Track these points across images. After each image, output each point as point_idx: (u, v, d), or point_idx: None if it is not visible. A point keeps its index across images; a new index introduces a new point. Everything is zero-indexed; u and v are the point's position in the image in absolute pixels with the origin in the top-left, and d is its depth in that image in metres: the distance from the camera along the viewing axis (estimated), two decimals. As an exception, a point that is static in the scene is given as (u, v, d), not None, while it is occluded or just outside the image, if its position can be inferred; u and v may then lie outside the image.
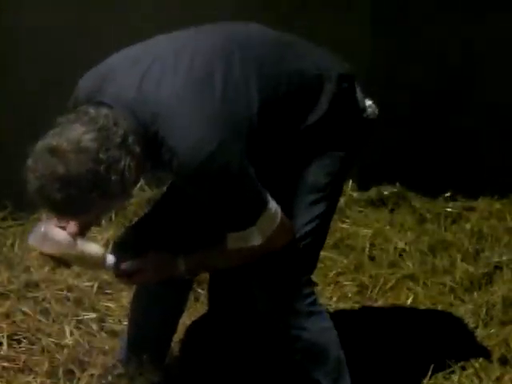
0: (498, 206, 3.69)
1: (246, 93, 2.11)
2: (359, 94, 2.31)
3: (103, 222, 3.35)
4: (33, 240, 2.16)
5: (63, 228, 2.15)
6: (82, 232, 2.19)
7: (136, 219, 2.71)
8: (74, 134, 1.98)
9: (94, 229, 3.15)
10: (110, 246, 2.34)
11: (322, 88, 2.22)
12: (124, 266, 2.18)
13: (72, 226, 2.15)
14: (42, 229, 2.13)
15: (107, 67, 2.16)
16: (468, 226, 3.53)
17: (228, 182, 2.07)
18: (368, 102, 2.33)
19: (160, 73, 2.09)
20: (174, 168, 2.06)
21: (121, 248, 2.26)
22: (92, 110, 2.03)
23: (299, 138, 2.22)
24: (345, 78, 2.26)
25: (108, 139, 1.99)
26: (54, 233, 2.13)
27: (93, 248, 2.17)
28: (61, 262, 2.18)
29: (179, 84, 2.08)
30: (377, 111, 2.33)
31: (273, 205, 2.14)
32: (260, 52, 2.19)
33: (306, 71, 2.22)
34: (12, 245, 3.25)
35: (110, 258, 2.18)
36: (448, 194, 3.74)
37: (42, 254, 2.18)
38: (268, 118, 2.15)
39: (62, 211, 2.03)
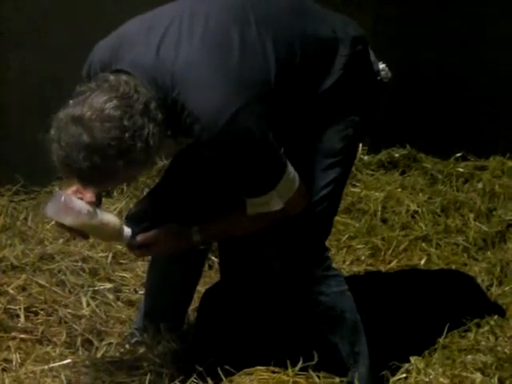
0: (509, 164, 3.68)
1: (263, 55, 2.10)
2: (373, 57, 2.31)
3: (114, 193, 3.36)
4: (50, 211, 2.12)
5: (81, 198, 2.14)
6: (96, 198, 2.18)
7: (147, 190, 2.72)
8: (96, 102, 1.97)
9: (105, 200, 3.17)
10: (124, 218, 2.33)
11: (337, 51, 2.21)
12: (139, 238, 2.18)
13: (90, 196, 2.14)
14: (62, 199, 2.10)
15: (122, 35, 2.15)
16: (480, 186, 3.52)
17: (249, 145, 2.07)
18: (381, 65, 2.32)
19: (177, 37, 2.07)
20: (195, 133, 2.05)
21: (135, 220, 2.26)
22: (112, 78, 2.02)
23: (315, 102, 2.21)
24: (359, 40, 2.25)
25: (130, 106, 1.99)
26: (73, 203, 2.10)
27: (111, 219, 2.16)
28: (78, 233, 2.17)
29: (197, 48, 2.07)
30: (389, 74, 2.32)
31: (291, 169, 2.14)
32: (275, 15, 2.18)
33: (321, 34, 2.21)
34: (25, 218, 3.26)
35: (127, 230, 2.17)
36: (459, 154, 3.73)
37: (58, 225, 2.15)
38: (284, 81, 2.13)
39: (88, 180, 2.03)
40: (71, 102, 2.01)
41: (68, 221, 2.11)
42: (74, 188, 2.15)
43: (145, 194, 3.05)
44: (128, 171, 2.03)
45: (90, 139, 1.96)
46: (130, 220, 2.28)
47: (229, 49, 2.07)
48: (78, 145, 1.96)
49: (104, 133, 1.96)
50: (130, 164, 1.99)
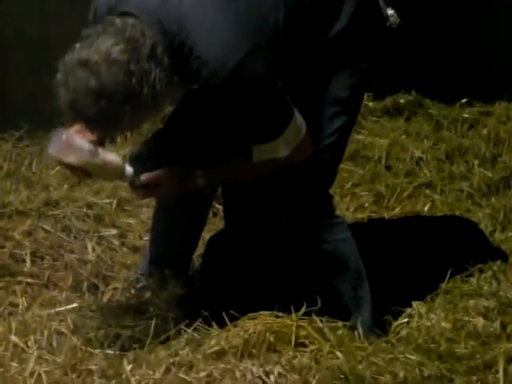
0: (515, 110, 3.66)
1: (272, 1, 2.08)
2: (381, 3, 2.28)
3: (118, 139, 3.35)
4: (53, 149, 2.11)
5: (83, 136, 2.13)
6: (100, 143, 2.18)
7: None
8: (103, 46, 1.96)
9: (109, 146, 3.16)
10: (128, 159, 2.33)
11: None
12: (143, 177, 2.18)
13: (91, 135, 2.13)
14: (64, 137, 2.09)
15: None
16: (485, 132, 3.51)
17: (257, 90, 2.05)
18: (390, 11, 2.29)
19: None
20: (202, 78, 2.04)
21: (138, 161, 2.26)
22: (118, 21, 2.00)
23: (323, 49, 2.19)
24: None
25: (137, 51, 1.97)
26: (75, 141, 2.10)
27: (113, 157, 2.15)
28: (80, 172, 2.16)
29: None
30: (398, 20, 2.30)
31: (298, 116, 2.13)
32: None
33: None
34: (30, 164, 3.26)
35: (129, 169, 2.17)
36: (464, 100, 3.71)
37: (61, 164, 2.15)
38: (293, 27, 2.11)
39: (94, 124, 2.03)
40: (77, 45, 1.99)
41: (70, 158, 2.10)
42: (76, 128, 2.14)
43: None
44: (134, 116, 2.02)
45: (97, 83, 1.95)
46: (134, 161, 2.27)
47: None
48: (85, 89, 1.95)
49: (111, 77, 1.95)
50: (136, 109, 1.99)
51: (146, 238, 2.76)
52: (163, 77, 2.00)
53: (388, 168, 3.34)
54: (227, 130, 2.21)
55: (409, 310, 2.43)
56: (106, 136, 2.20)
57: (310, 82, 2.23)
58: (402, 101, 3.70)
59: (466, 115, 3.63)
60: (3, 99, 3.43)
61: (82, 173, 2.16)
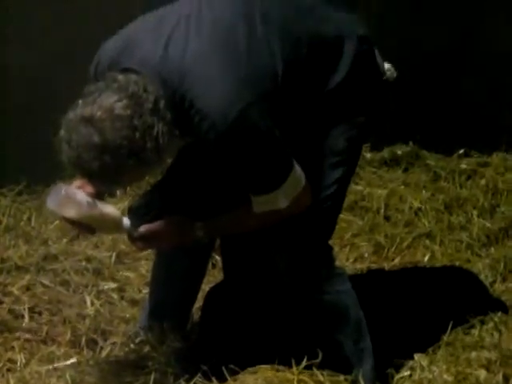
0: (512, 160, 3.68)
1: (270, 53, 2.11)
2: (378, 57, 2.31)
3: (117, 192, 3.36)
4: (51, 204, 2.13)
5: (82, 190, 2.14)
6: (99, 196, 2.19)
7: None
8: (106, 102, 1.98)
9: (109, 200, 3.17)
10: (127, 211, 2.33)
11: (343, 50, 2.21)
12: (141, 229, 2.19)
13: (90, 188, 2.15)
14: (63, 191, 2.11)
15: (129, 34, 2.15)
16: (483, 182, 3.52)
17: (256, 142, 2.07)
18: (387, 66, 2.32)
19: (184, 35, 2.08)
20: (203, 130, 2.05)
21: (137, 213, 2.27)
22: (120, 77, 2.02)
23: (321, 101, 2.21)
24: (364, 39, 2.25)
25: (140, 106, 1.99)
26: (73, 195, 2.11)
27: (111, 209, 2.16)
28: (82, 226, 2.17)
29: (204, 45, 2.07)
30: (395, 74, 2.32)
31: (297, 168, 2.14)
32: (281, 13, 2.18)
33: (327, 33, 2.21)
34: (29, 219, 3.26)
35: (127, 221, 2.18)
36: (462, 151, 3.73)
37: (62, 219, 2.15)
38: (291, 79, 2.14)
39: (99, 180, 2.04)
40: (80, 102, 2.01)
41: (69, 213, 2.12)
42: (77, 183, 2.16)
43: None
44: (138, 171, 2.04)
45: (100, 139, 1.96)
46: (133, 213, 2.28)
47: (236, 46, 2.07)
48: (89, 145, 1.97)
49: (115, 132, 1.97)
50: (140, 163, 2.00)
51: (145, 291, 2.75)
52: (166, 130, 2.01)
53: (387, 218, 3.34)
54: (227, 182, 2.22)
55: (411, 363, 2.41)
56: (108, 190, 2.22)
57: (309, 134, 2.24)
58: (399, 152, 3.72)
59: (463, 166, 3.65)
60: (2, 153, 3.44)
61: (83, 227, 2.17)
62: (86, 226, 2.17)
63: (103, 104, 1.98)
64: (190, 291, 2.55)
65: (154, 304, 2.54)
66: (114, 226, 2.18)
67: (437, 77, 3.79)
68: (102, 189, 2.15)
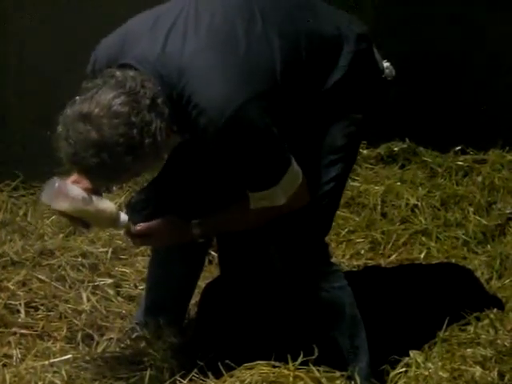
0: (509, 157, 3.67)
1: (269, 51, 2.11)
2: (377, 55, 2.31)
3: (114, 188, 3.35)
4: (45, 197, 2.13)
5: (77, 184, 2.14)
6: (96, 192, 2.19)
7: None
8: (103, 99, 1.98)
9: (105, 196, 3.16)
10: (124, 207, 2.33)
11: (342, 48, 2.21)
12: (138, 227, 2.19)
13: (86, 182, 2.15)
14: (56, 185, 2.10)
15: (127, 31, 2.15)
16: (479, 179, 3.52)
17: (254, 138, 2.07)
18: (385, 63, 2.32)
19: (183, 31, 2.08)
20: (200, 126, 2.05)
21: (135, 209, 2.27)
22: (118, 73, 2.02)
23: (319, 99, 2.21)
24: (363, 37, 2.25)
25: (138, 102, 1.99)
26: (68, 189, 2.11)
27: (107, 204, 2.16)
28: (78, 220, 2.16)
29: (203, 42, 2.07)
30: (394, 72, 2.32)
31: (295, 164, 2.14)
32: (281, 11, 2.18)
33: (326, 31, 2.21)
34: (25, 214, 3.26)
35: (124, 217, 2.17)
36: (458, 148, 3.72)
37: (58, 213, 2.15)
38: (290, 76, 2.14)
39: (97, 176, 2.04)
40: (78, 98, 2.01)
41: (63, 206, 2.11)
42: (74, 177, 2.16)
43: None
44: (136, 167, 2.04)
45: (98, 136, 1.96)
46: (131, 209, 2.28)
47: (235, 43, 2.07)
48: (87, 142, 1.97)
49: (112, 129, 1.97)
50: (138, 160, 2.00)
51: (142, 287, 2.75)
52: (164, 127, 2.01)
53: (383, 215, 3.35)
54: (225, 178, 2.22)
55: (406, 359, 2.41)
56: (106, 186, 2.21)
57: (307, 131, 2.24)
58: (396, 149, 3.71)
59: (460, 163, 3.65)
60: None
61: (79, 222, 2.17)
62: (80, 221, 2.16)
63: (101, 101, 1.97)
64: (186, 287, 2.55)
65: (151, 300, 2.53)
66: (109, 221, 2.17)
67: (433, 74, 3.78)
68: (99, 185, 2.15)
